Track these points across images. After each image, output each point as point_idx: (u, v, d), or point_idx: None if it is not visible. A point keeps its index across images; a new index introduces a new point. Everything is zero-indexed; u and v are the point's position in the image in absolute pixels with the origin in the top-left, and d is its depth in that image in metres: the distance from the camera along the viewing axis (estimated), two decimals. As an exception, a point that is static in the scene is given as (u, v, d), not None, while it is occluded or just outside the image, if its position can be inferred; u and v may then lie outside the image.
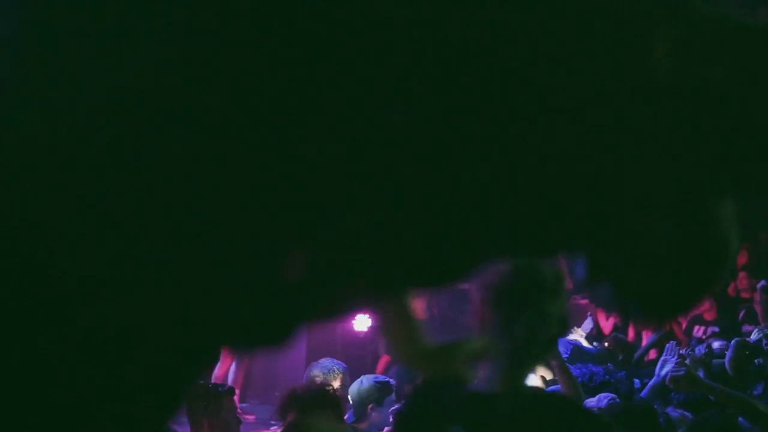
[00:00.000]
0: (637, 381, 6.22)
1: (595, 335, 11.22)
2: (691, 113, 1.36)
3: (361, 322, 11.13)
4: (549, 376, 5.64)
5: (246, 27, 1.26)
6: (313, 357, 10.36)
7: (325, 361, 6.74)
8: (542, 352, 3.03)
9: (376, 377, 6.46)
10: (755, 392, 6.05)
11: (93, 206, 1.27)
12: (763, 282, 9.41)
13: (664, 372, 5.59)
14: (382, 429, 5.61)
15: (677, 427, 4.83)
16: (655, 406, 5.12)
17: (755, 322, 9.52)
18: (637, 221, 1.42)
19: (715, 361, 6.46)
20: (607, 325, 12.66)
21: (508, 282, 2.80)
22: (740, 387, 5.87)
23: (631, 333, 12.24)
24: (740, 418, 4.61)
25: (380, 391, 6.09)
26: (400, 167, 1.34)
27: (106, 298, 1.31)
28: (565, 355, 6.42)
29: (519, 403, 2.85)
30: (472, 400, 2.81)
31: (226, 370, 10.01)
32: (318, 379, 6.28)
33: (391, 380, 6.33)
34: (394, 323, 2.35)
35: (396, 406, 5.06)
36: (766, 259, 12.70)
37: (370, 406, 6.04)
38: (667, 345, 6.17)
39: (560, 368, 4.98)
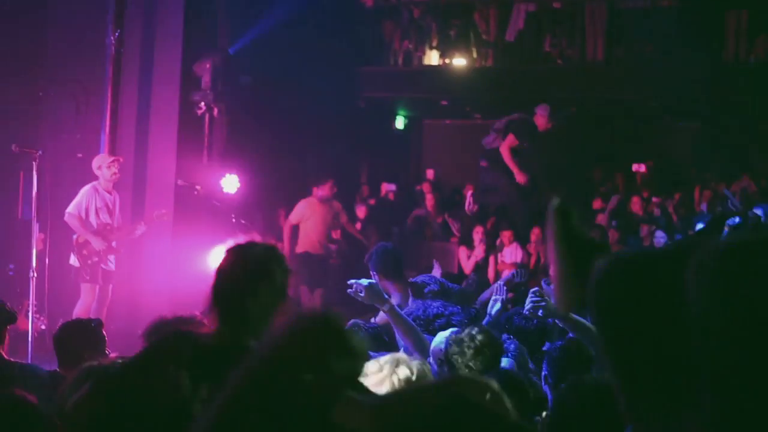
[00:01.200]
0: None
1: (456, 275, 11.46)
2: None
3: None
4: None
5: None
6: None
7: None
8: None
9: None
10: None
11: None
12: None
13: (494, 311, 5.85)
14: None
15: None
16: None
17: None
18: None
19: None
20: (468, 264, 12.97)
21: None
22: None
23: (490, 272, 12.60)
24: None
25: None
26: None
27: None
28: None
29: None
30: None
31: (87, 306, 9.88)
32: None
33: None
34: None
35: None
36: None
37: None
38: (495, 285, 6.51)
39: (391, 312, 5.33)
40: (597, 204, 15.64)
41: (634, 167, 15.90)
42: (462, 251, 13.74)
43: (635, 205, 14.76)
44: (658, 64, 15.76)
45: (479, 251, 13.40)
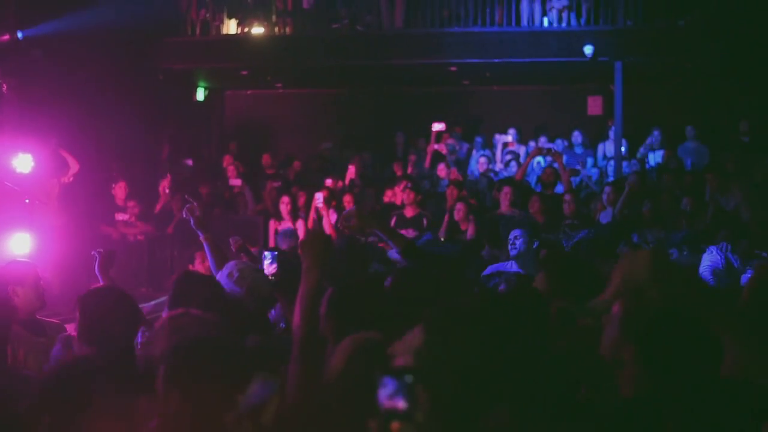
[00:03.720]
0: None
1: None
2: None
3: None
4: None
5: None
6: None
7: None
8: None
9: None
10: None
11: None
12: None
13: None
14: None
15: None
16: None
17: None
18: None
19: None
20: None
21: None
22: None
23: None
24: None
25: None
26: None
27: None
28: None
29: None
30: None
31: None
32: None
33: None
34: None
35: None
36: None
37: None
38: None
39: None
40: (398, 169, 15.87)
41: (434, 126, 16.19)
42: (272, 223, 13.68)
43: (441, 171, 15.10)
44: (457, 30, 16.09)
45: (287, 222, 13.37)
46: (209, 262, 5.94)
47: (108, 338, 4.27)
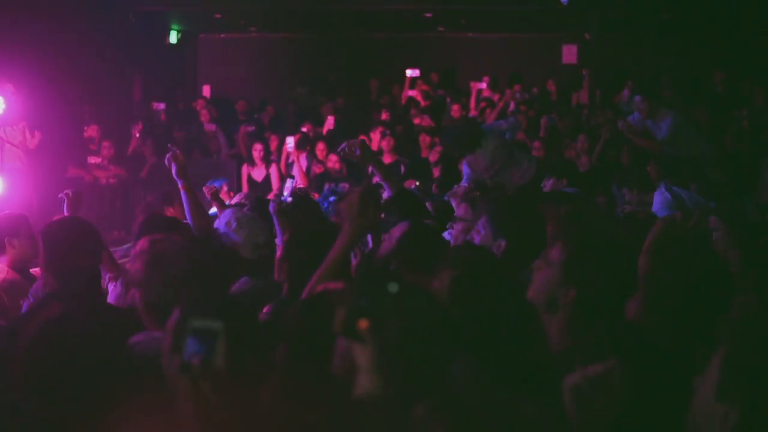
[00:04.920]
0: None
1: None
2: None
3: None
4: None
5: None
6: None
7: None
8: None
9: None
10: None
11: None
12: None
13: None
14: None
15: None
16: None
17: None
18: None
19: None
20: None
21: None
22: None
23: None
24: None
25: None
26: None
27: None
28: None
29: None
30: None
31: None
32: None
33: None
34: None
35: None
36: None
37: None
38: None
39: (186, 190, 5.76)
40: (373, 115, 15.83)
41: (408, 73, 16.16)
42: (244, 168, 13.64)
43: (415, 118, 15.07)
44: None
45: (260, 167, 13.34)
46: (186, 209, 5.88)
47: (72, 270, 4.31)
